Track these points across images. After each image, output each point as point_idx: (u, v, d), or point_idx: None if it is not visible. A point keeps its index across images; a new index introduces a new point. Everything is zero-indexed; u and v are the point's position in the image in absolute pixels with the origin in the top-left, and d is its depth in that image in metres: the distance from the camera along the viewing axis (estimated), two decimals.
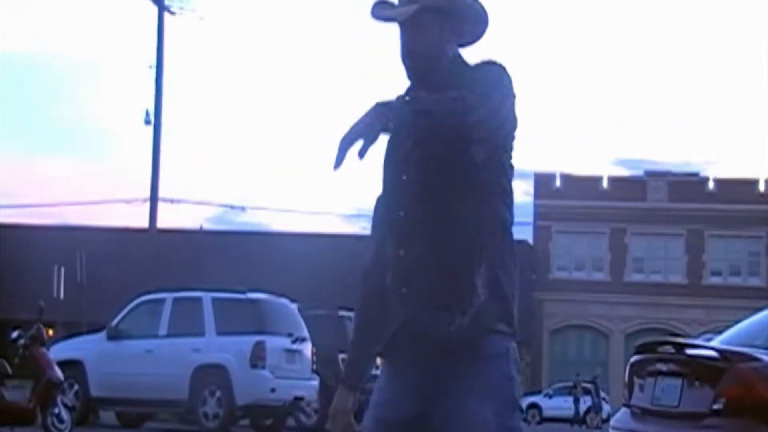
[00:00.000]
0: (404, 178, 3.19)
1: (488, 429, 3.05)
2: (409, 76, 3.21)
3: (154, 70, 31.45)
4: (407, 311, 3.13)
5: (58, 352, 16.71)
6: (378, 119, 2.97)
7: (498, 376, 3.10)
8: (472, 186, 3.12)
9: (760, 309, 9.09)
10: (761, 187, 48.08)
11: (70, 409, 14.58)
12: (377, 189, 3.32)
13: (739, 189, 47.77)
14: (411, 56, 3.19)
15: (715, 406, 7.32)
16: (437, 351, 3.09)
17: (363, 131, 2.95)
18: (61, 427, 13.74)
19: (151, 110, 31.62)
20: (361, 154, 3.00)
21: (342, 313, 20.50)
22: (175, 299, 17.84)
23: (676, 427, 7.45)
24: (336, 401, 3.46)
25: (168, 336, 17.47)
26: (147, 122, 31.66)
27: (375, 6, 3.19)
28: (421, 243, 3.14)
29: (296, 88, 75.71)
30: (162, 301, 17.96)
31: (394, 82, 3.26)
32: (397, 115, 2.98)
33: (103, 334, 18.20)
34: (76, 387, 17.27)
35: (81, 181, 69.44)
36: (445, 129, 2.99)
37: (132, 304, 18.37)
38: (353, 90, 74.86)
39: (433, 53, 3.18)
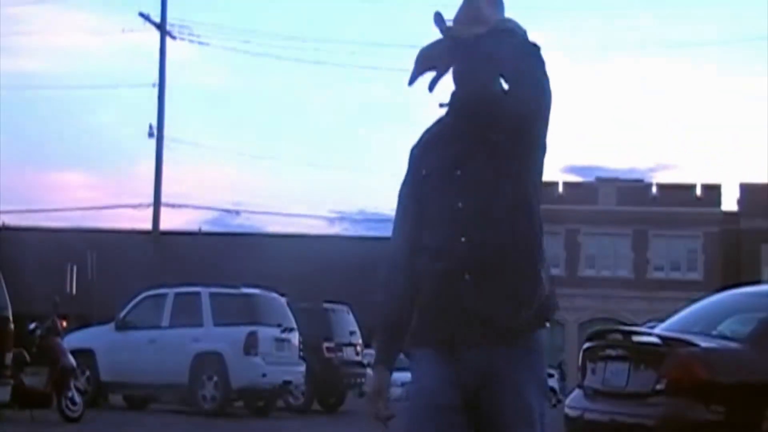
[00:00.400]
0: (458, 173, 2.92)
1: (534, 417, 2.88)
2: (456, 46, 2.94)
3: (157, 88, 31.37)
4: (471, 297, 2.84)
5: (71, 341, 16.61)
6: (450, 54, 2.83)
7: (541, 367, 2.96)
8: (527, 179, 2.92)
9: (697, 300, 9.14)
10: (698, 192, 48.29)
11: (82, 393, 14.51)
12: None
13: (679, 193, 47.95)
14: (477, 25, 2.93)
15: (658, 387, 7.34)
16: (499, 339, 2.85)
17: (437, 60, 2.79)
18: (75, 408, 13.67)
19: (155, 124, 31.53)
20: (431, 87, 2.87)
21: (326, 305, 20.50)
22: (176, 294, 17.78)
23: (624, 405, 7.48)
24: (374, 384, 3.05)
25: (170, 327, 17.41)
26: (151, 135, 31.58)
27: None
28: (488, 233, 2.86)
29: (288, 101, 75.59)
30: (164, 295, 17.91)
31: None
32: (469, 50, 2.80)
33: (111, 326, 18.12)
34: (87, 373, 17.17)
35: (92, 189, 69.12)
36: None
37: (137, 299, 18.30)
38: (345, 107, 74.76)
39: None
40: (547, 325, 2.97)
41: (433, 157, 2.98)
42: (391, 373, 3.03)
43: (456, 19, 2.95)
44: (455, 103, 2.96)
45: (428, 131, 3.06)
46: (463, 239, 2.86)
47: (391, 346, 3.03)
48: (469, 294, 2.84)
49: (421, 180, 2.99)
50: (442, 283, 2.88)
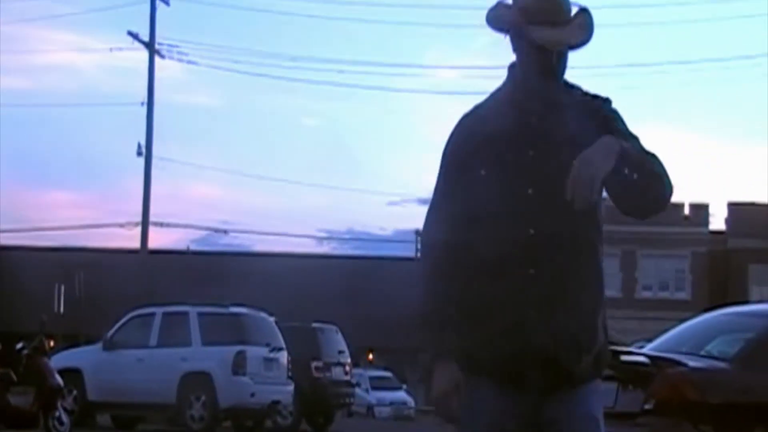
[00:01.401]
0: (530, 192, 2.74)
1: None
2: (543, 71, 2.77)
3: (145, 107, 31.37)
4: (537, 337, 2.70)
5: (59, 361, 16.53)
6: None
7: (598, 412, 2.87)
8: (593, 216, 2.86)
9: (685, 320, 9.17)
10: (686, 211, 48.45)
11: (69, 412, 14.44)
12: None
13: (667, 213, 47.78)
14: (561, 52, 2.77)
15: (647, 407, 7.35)
16: (561, 382, 2.75)
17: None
18: (62, 429, 13.60)
19: (143, 143, 31.51)
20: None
21: (314, 325, 20.46)
22: (165, 313, 17.73)
23: (613, 425, 7.40)
24: (438, 383, 2.74)
25: (158, 346, 17.34)
26: (139, 154, 31.55)
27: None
28: (557, 268, 2.73)
29: (273, 123, 75.70)
30: (152, 315, 17.84)
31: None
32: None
33: (99, 345, 18.04)
34: (75, 392, 17.06)
35: (81, 208, 68.98)
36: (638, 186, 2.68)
37: (125, 318, 18.23)
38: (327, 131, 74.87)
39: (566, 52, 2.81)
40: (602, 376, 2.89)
41: (497, 160, 2.76)
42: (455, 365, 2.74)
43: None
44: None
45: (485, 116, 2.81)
46: (531, 271, 2.71)
47: (446, 337, 2.74)
48: (533, 333, 2.69)
49: (479, 180, 2.77)
50: (501, 315, 2.70)
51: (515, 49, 2.85)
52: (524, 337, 2.70)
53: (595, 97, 2.87)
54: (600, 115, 2.83)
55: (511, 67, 2.88)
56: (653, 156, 2.80)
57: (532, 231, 2.72)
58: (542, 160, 2.75)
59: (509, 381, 2.72)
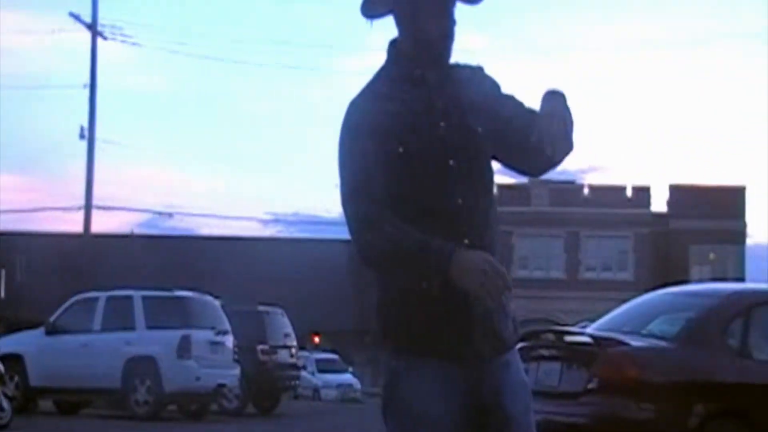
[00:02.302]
0: (452, 163, 2.74)
1: (531, 417, 2.86)
2: (430, 58, 2.80)
3: (88, 90, 30.94)
4: (479, 307, 2.69)
5: (0, 347, 16.33)
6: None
7: (525, 377, 2.92)
8: (492, 185, 2.88)
9: (628, 300, 9.28)
10: (629, 193, 48.97)
11: (10, 399, 14.25)
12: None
13: (610, 195, 48.59)
14: (448, 38, 2.81)
15: (590, 386, 7.44)
16: (499, 349, 2.79)
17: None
18: (2, 415, 13.43)
19: (86, 126, 31.10)
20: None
21: (260, 308, 20.42)
22: (108, 297, 17.58)
23: (557, 405, 7.55)
24: (474, 257, 2.61)
25: (102, 331, 17.21)
26: (82, 137, 31.14)
27: None
28: (485, 239, 2.74)
29: (221, 102, 75.11)
30: (96, 299, 17.69)
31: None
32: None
33: (41, 330, 17.83)
34: (16, 378, 16.88)
35: (22, 192, 67.93)
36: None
37: (68, 303, 18.04)
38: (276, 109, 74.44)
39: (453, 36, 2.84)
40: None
41: (412, 135, 2.72)
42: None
43: None
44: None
45: (388, 94, 2.78)
46: (466, 241, 2.69)
47: (436, 240, 2.64)
48: (472, 306, 2.68)
49: (397, 156, 2.72)
50: (440, 292, 2.65)
51: (400, 24, 2.85)
52: (468, 310, 2.70)
53: (472, 66, 2.91)
54: (486, 81, 2.88)
55: (393, 43, 2.87)
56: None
57: (460, 201, 2.73)
58: (454, 131, 2.77)
59: (457, 356, 2.72)
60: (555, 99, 2.77)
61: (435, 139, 2.74)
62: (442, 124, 2.76)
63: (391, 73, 2.84)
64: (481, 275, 2.58)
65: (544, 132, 2.69)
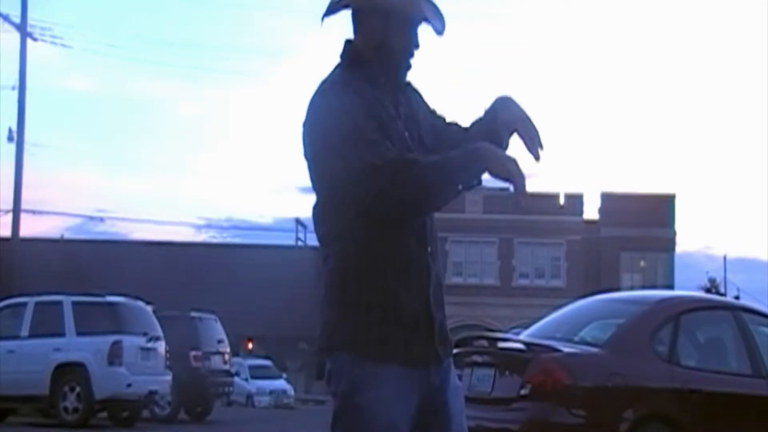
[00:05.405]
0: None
1: (465, 418, 2.94)
2: (389, 67, 2.83)
3: (17, 91, 30.43)
4: (435, 312, 2.82)
5: None
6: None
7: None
8: None
9: (560, 306, 9.39)
10: (561, 201, 49.54)
11: None
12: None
13: (543, 202, 49.05)
14: (410, 55, 2.86)
15: (523, 392, 7.51)
16: (448, 351, 2.90)
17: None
18: None
19: (15, 128, 30.59)
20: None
21: (193, 314, 20.27)
22: (37, 303, 17.30)
23: (490, 411, 7.60)
24: (494, 149, 2.67)
25: (30, 337, 16.91)
26: (10, 139, 30.61)
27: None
28: (438, 246, 2.90)
29: (154, 103, 74.33)
30: (24, 304, 17.39)
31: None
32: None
33: None
34: None
35: None
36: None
37: None
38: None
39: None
40: None
41: (387, 132, 2.72)
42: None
43: None
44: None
45: (356, 91, 2.74)
46: (429, 249, 2.82)
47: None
48: (430, 308, 2.80)
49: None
50: (400, 297, 2.73)
51: (359, 24, 2.84)
52: (429, 316, 2.80)
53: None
54: (418, 93, 2.96)
55: (350, 42, 2.86)
56: None
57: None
58: (414, 143, 2.82)
59: (423, 360, 2.78)
60: (511, 104, 2.85)
61: (403, 146, 2.75)
62: (406, 134, 2.80)
63: (354, 72, 2.82)
64: (510, 159, 2.64)
65: (527, 137, 2.80)
